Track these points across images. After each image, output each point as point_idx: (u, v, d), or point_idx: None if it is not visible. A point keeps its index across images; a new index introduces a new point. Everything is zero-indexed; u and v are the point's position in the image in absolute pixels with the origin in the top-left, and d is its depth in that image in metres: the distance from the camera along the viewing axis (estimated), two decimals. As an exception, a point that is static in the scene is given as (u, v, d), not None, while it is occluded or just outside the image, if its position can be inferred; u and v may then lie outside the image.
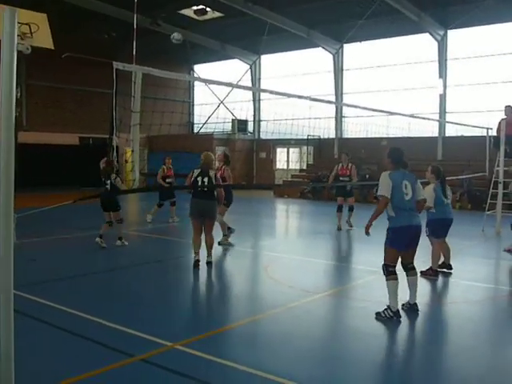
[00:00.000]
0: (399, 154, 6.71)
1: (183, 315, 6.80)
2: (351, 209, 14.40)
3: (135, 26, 6.93)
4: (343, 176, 14.10)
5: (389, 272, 6.46)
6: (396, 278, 6.46)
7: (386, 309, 6.44)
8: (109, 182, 10.60)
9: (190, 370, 4.91)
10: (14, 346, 4.13)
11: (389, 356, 5.43)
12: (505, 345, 5.87)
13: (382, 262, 6.54)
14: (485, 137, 14.94)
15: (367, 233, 6.69)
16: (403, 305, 6.76)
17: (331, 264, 10.45)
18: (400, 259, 6.62)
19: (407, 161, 6.80)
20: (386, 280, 6.50)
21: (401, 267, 6.70)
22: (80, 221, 14.42)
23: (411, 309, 6.72)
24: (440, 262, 8.86)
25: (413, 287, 6.74)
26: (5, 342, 4.05)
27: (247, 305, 7.43)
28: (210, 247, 9.23)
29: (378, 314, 6.50)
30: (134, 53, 6.71)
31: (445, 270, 8.89)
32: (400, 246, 6.51)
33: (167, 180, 14.83)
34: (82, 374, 4.69)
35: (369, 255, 10.85)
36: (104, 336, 5.75)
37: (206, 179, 9.00)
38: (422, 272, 8.48)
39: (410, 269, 6.69)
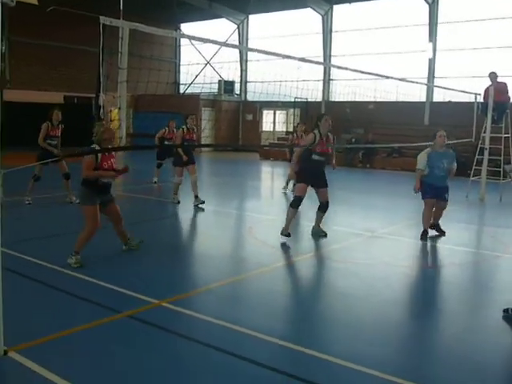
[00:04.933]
0: None
1: (169, 274, 6.86)
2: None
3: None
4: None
5: None
6: None
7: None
8: None
9: (175, 325, 5.00)
10: (3, 301, 4.18)
11: (368, 316, 5.54)
12: (482, 306, 6.02)
13: None
14: (472, 103, 14.94)
15: None
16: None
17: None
18: None
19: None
20: None
21: None
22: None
23: None
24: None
25: None
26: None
27: (231, 265, 7.51)
28: None
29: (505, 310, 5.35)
30: (121, 8, 6.60)
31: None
32: None
33: (166, 142, 14.61)
34: (71, 329, 4.76)
35: (352, 218, 10.98)
36: (91, 293, 5.80)
37: None
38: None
39: None
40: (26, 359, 4.13)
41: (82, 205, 6.90)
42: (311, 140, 8.57)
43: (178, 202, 11.69)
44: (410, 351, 4.77)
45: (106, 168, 6.76)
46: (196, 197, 11.43)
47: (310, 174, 8.62)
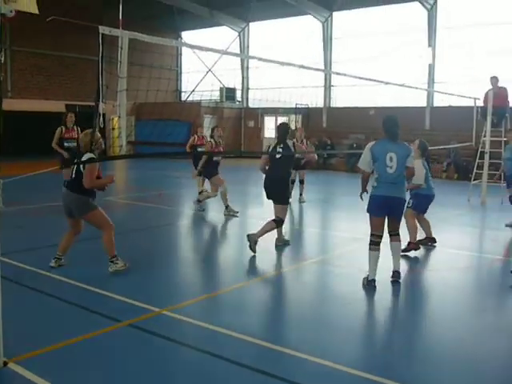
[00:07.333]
0: (391, 124, 6.58)
1: (171, 282, 6.86)
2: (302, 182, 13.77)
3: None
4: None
5: (371, 241, 6.57)
6: (376, 250, 6.53)
7: (364, 277, 6.58)
8: None
9: (177, 334, 4.98)
10: (2, 310, 4.17)
11: (372, 321, 5.53)
12: (485, 311, 5.99)
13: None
14: (472, 107, 14.94)
15: (361, 197, 6.97)
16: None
17: (317, 232, 10.53)
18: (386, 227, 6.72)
19: (400, 131, 6.66)
20: (368, 249, 6.59)
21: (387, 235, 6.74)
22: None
23: (393, 276, 6.71)
24: (422, 238, 8.62)
25: (395, 254, 6.80)
26: (-8, 306, 4.10)
27: (235, 272, 7.50)
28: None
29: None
30: (120, 17, 6.64)
31: (429, 244, 8.68)
32: (376, 212, 6.58)
33: (199, 149, 14.49)
34: (72, 338, 4.75)
35: (353, 223, 10.97)
36: (91, 302, 5.80)
37: None
38: (403, 250, 8.47)
39: (392, 235, 6.80)
40: (27, 370, 4.12)
41: (86, 213, 6.72)
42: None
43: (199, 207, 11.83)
44: (413, 355, 4.76)
45: (100, 176, 6.71)
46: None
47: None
